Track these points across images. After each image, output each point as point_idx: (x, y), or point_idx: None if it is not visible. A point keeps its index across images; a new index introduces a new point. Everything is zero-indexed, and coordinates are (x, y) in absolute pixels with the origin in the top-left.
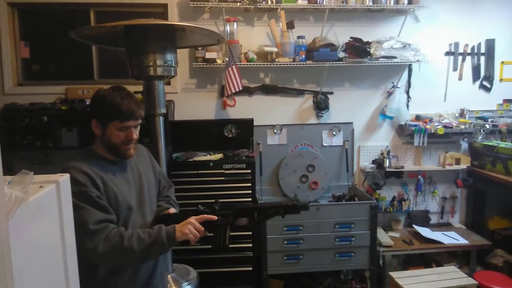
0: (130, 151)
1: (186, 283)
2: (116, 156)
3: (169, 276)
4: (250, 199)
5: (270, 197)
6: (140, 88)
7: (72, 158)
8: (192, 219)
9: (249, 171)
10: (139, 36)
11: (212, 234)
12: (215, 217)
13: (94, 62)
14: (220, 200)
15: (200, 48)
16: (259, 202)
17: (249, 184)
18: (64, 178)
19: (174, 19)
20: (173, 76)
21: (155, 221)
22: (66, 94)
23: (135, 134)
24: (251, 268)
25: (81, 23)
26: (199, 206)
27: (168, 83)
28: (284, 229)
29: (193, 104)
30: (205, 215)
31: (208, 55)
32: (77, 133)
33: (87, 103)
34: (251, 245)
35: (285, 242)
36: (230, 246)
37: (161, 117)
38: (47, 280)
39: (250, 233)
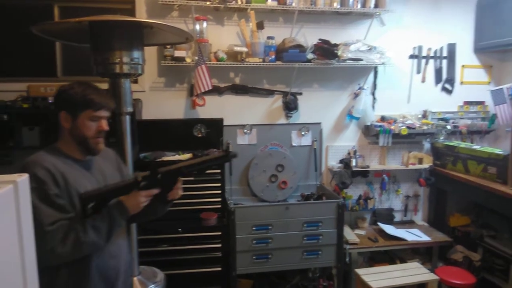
0: (99, 145)
1: (153, 285)
2: (85, 151)
3: (135, 278)
4: (219, 199)
5: (240, 197)
6: (105, 86)
7: (34, 152)
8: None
9: (219, 171)
10: (105, 32)
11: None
12: (157, 191)
13: (58, 59)
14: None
15: (168, 46)
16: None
17: (219, 184)
18: (23, 179)
19: (142, 16)
20: (140, 74)
21: (82, 199)
22: (28, 92)
23: (106, 125)
24: (220, 269)
25: (44, 18)
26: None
27: (135, 81)
28: (253, 228)
29: (161, 103)
30: (150, 191)
31: (177, 53)
32: (39, 132)
33: (50, 101)
34: (220, 245)
35: (254, 241)
36: (198, 247)
37: (127, 116)
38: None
39: (219, 233)
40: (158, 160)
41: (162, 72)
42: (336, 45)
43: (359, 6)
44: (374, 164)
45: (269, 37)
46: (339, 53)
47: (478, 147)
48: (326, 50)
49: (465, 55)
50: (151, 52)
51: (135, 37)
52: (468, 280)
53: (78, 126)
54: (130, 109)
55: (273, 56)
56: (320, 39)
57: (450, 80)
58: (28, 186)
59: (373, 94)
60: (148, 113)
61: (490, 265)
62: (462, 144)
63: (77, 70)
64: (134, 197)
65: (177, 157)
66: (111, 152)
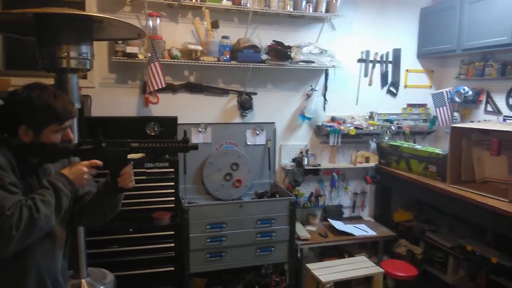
0: None
1: (102, 287)
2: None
3: (83, 281)
4: (173, 198)
5: (194, 195)
6: (51, 81)
7: None
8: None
9: (172, 170)
10: (51, 25)
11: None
12: (100, 163)
13: (0, 51)
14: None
15: (120, 42)
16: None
17: (172, 183)
18: None
19: (92, 9)
20: (88, 70)
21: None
22: None
23: (72, 133)
24: (172, 268)
25: None
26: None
27: (84, 77)
28: (208, 227)
29: (112, 100)
30: (92, 162)
31: (129, 49)
32: None
33: None
34: (173, 244)
35: (208, 240)
36: (151, 247)
37: None
38: None
39: (172, 232)
40: None
41: (113, 68)
42: (289, 47)
43: (311, 10)
44: (324, 163)
45: (224, 37)
46: (292, 55)
47: (420, 147)
48: (280, 51)
49: (409, 60)
50: (101, 47)
51: (84, 31)
52: (410, 272)
53: (42, 141)
54: (77, 106)
55: (228, 56)
56: (274, 41)
57: (395, 84)
58: None
59: (324, 95)
60: (98, 110)
61: (431, 257)
62: (405, 144)
63: (22, 63)
64: (75, 166)
65: (128, 155)
66: None
